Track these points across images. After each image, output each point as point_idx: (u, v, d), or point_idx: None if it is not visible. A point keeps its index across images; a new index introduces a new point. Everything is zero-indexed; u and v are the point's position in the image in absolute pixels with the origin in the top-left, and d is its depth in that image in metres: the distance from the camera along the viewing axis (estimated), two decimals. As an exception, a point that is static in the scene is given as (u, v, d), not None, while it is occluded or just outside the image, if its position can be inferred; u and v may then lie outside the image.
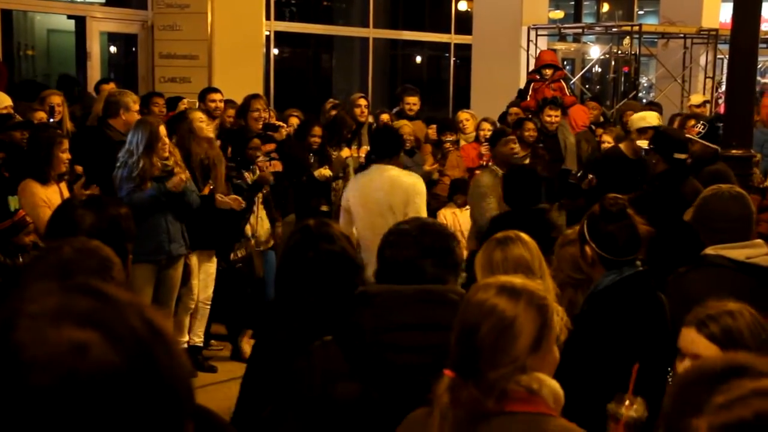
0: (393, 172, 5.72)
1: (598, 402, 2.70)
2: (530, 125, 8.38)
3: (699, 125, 6.43)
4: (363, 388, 2.28)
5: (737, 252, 3.71)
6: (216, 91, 8.32)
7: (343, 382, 2.29)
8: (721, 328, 2.44)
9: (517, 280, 2.14)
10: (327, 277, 2.74)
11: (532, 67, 12.35)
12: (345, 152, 8.30)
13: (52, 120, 7.10)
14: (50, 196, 5.64)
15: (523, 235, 3.42)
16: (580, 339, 3.15)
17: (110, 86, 8.60)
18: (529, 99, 10.83)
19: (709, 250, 3.78)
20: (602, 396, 2.72)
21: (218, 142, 6.95)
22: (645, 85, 17.77)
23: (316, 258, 2.76)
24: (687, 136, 6.63)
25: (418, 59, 18.65)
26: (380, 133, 6.58)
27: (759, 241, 3.86)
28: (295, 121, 8.56)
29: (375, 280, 2.60)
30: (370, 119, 9.14)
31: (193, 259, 6.69)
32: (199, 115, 6.73)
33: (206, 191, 6.45)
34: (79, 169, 6.47)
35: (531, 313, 2.04)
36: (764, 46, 13.64)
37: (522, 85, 11.84)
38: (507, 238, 3.39)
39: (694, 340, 2.47)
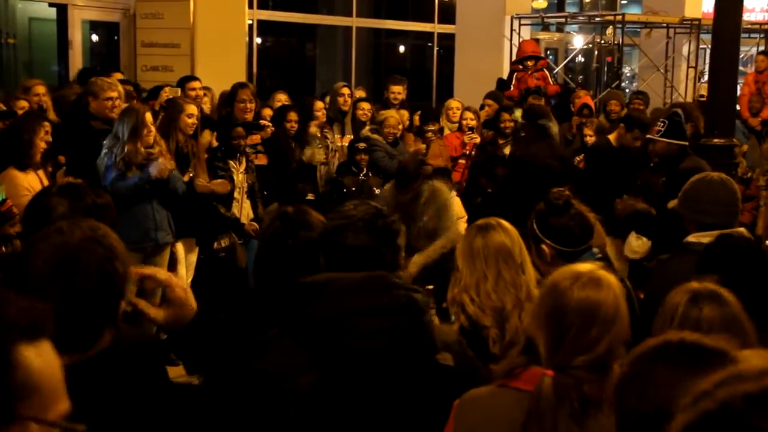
0: None
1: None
2: (505, 116, 8.43)
3: (658, 123, 6.36)
4: (321, 378, 2.27)
5: (718, 240, 3.73)
6: (195, 79, 8.22)
7: (303, 375, 2.27)
8: None
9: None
10: (306, 265, 2.70)
11: (515, 56, 12.37)
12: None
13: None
14: (32, 183, 5.58)
15: (504, 222, 3.39)
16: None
17: None
18: (512, 89, 10.85)
19: (691, 238, 3.82)
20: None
21: (206, 131, 6.86)
22: (628, 74, 17.85)
23: (294, 245, 2.73)
24: (648, 137, 6.60)
25: (402, 49, 18.64)
26: None
27: (741, 229, 3.90)
28: (283, 97, 8.66)
29: (325, 268, 2.52)
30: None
31: (179, 248, 6.65)
32: (192, 110, 6.61)
33: (186, 179, 6.42)
34: (61, 158, 6.42)
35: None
36: (746, 35, 13.75)
37: (505, 75, 11.85)
38: (488, 225, 3.37)
39: None
